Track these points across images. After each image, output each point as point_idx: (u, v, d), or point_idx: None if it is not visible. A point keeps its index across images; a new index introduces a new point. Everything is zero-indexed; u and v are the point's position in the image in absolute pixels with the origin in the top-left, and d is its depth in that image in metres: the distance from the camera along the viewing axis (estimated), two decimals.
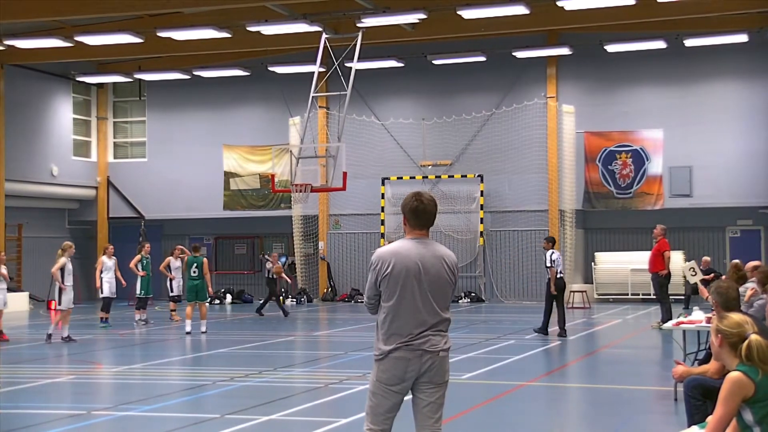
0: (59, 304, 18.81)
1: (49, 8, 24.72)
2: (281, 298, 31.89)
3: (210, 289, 21.00)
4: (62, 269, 18.81)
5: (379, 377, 5.99)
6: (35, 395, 12.68)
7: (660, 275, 20.23)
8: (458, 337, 18.24)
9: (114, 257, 22.74)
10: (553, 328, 19.01)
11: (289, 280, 29.13)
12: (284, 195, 31.39)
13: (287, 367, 15.15)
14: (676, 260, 29.32)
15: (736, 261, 13.08)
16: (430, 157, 31.50)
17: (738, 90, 29.67)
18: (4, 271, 19.30)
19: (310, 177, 26.46)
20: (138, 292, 23.19)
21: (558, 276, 18.94)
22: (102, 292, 22.38)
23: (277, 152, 29.97)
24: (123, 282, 22.68)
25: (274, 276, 26.00)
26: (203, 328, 20.06)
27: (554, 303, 19.06)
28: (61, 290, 18.77)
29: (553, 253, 19.02)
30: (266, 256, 28.01)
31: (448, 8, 25.49)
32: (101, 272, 22.33)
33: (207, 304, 21.01)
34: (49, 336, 18.70)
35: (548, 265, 18.99)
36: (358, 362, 15.10)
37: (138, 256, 23.39)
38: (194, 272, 20.51)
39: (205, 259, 20.79)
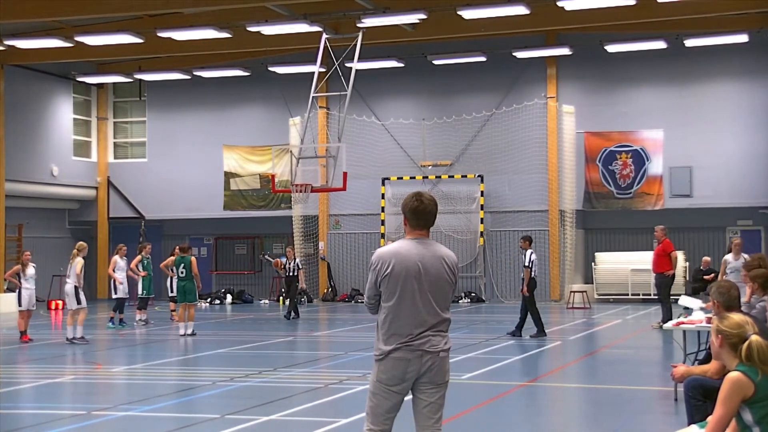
0: (78, 303, 18.77)
1: (49, 8, 24.74)
2: (281, 298, 31.96)
3: (198, 284, 20.67)
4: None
5: (380, 377, 5.99)
6: (35, 395, 12.69)
7: (666, 275, 20.22)
8: (458, 338, 18.23)
9: (125, 257, 22.75)
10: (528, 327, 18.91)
11: (280, 270, 26.41)
12: (284, 195, 31.37)
13: (287, 367, 15.14)
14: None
15: (761, 254, 12.93)
16: (431, 157, 31.50)
17: (738, 90, 29.67)
18: (30, 271, 19.17)
19: (310, 177, 26.45)
20: (140, 292, 23.15)
21: (532, 276, 18.90)
22: (116, 293, 22.36)
23: (278, 152, 29.97)
24: (118, 281, 22.58)
25: (291, 273, 24.90)
26: (189, 330, 19.82)
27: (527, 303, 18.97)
28: (77, 289, 18.78)
29: (532, 253, 19.03)
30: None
31: (448, 8, 25.48)
32: (115, 272, 22.32)
33: (196, 305, 20.86)
34: (82, 338, 18.64)
35: (526, 264, 18.93)
36: (358, 362, 15.10)
37: (138, 257, 23.36)
38: (182, 272, 20.42)
39: (192, 258, 20.55)
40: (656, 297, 20.22)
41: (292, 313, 24.47)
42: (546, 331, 18.99)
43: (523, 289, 18.80)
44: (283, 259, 25.55)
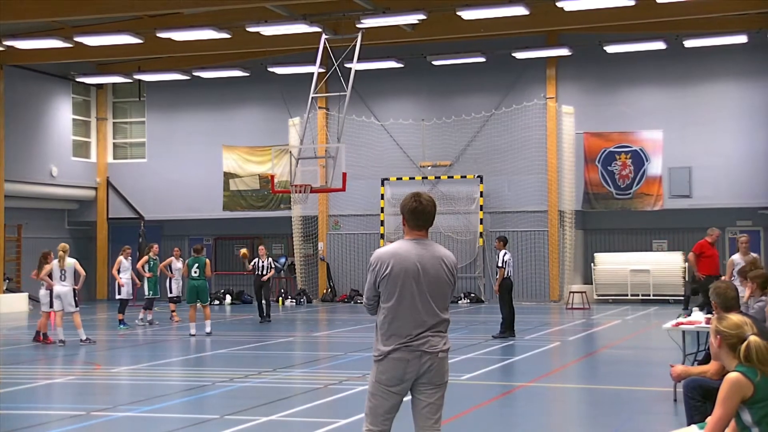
0: (77, 305, 18.74)
1: (49, 8, 24.73)
2: (280, 299, 31.95)
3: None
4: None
5: (379, 378, 6.00)
6: (35, 395, 12.69)
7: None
8: (458, 338, 18.24)
9: (129, 258, 22.75)
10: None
11: (247, 264, 24.85)
12: (284, 196, 31.39)
13: (287, 367, 15.15)
14: (676, 260, 29.37)
15: (755, 255, 12.86)
16: (430, 157, 31.50)
17: (738, 90, 29.66)
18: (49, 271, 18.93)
19: (309, 178, 26.45)
20: (146, 293, 23.10)
21: (506, 276, 18.97)
22: (120, 294, 22.33)
23: (277, 153, 29.97)
24: (138, 282, 22.87)
25: (262, 273, 23.92)
26: (207, 329, 19.98)
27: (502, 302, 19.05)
28: (75, 291, 18.71)
29: (506, 254, 19.08)
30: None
31: (448, 9, 25.49)
32: (119, 273, 22.32)
33: (209, 305, 20.97)
34: (88, 339, 18.56)
35: (500, 265, 19.00)
36: (357, 363, 15.10)
37: (145, 257, 23.31)
38: (195, 272, 20.49)
39: (207, 260, 20.79)
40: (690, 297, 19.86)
41: (266, 316, 23.72)
42: (515, 332, 18.99)
43: (495, 288, 19.13)
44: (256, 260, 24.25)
